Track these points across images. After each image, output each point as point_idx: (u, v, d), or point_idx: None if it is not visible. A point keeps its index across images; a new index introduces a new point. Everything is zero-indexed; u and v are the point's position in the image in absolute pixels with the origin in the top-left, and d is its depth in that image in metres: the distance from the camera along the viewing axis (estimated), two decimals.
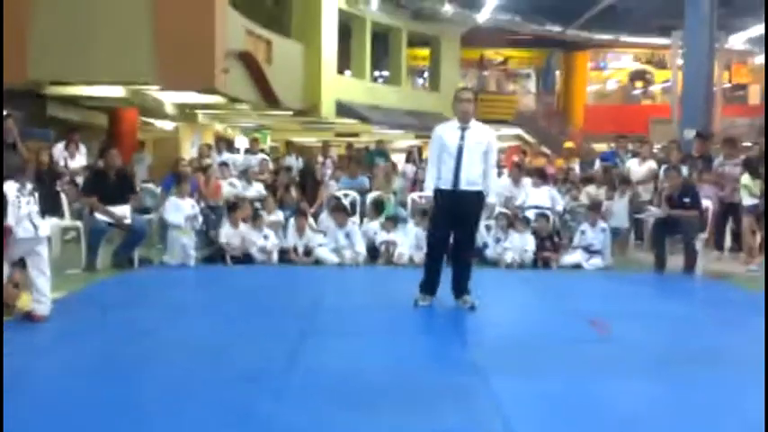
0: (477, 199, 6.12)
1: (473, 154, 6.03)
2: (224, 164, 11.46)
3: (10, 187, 5.34)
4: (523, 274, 8.50)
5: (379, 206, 10.16)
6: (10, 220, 5.24)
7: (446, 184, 6.03)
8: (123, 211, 8.32)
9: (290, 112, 18.34)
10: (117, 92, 13.19)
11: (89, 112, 14.80)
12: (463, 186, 6.00)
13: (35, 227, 5.39)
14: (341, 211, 9.43)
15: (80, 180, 10.02)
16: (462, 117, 6.11)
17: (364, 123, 20.71)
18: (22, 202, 5.35)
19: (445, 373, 4.39)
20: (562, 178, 11.81)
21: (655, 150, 12.54)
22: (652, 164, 10.78)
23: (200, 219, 8.91)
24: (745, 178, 9.21)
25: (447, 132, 6.12)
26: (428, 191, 6.21)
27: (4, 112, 8.85)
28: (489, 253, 9.09)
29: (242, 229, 8.91)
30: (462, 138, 6.02)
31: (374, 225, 9.50)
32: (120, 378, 4.13)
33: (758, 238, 9.15)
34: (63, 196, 9.23)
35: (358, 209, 10.59)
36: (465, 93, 6.27)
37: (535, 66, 33.34)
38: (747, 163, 9.43)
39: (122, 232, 8.38)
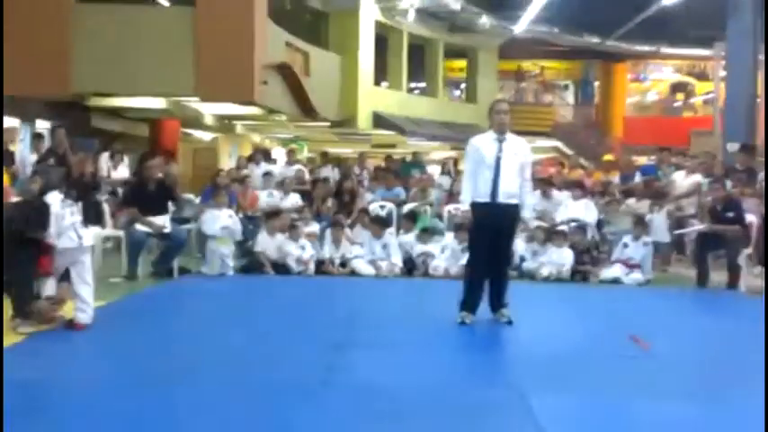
0: (514, 212, 6.09)
1: (511, 166, 5.99)
2: (267, 174, 11.54)
3: (54, 198, 5.46)
4: (561, 288, 8.39)
5: (415, 218, 10.16)
6: (53, 231, 5.35)
7: (484, 197, 5.97)
8: (163, 221, 8.45)
9: (327, 124, 18.45)
10: (158, 103, 13.41)
11: (131, 123, 15.08)
12: (501, 199, 5.95)
13: (79, 237, 5.51)
14: (377, 223, 9.45)
15: (121, 190, 10.19)
16: (499, 129, 6.07)
17: (400, 135, 20.74)
18: (66, 213, 5.47)
19: (481, 388, 4.35)
20: (600, 191, 11.66)
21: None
22: (697, 177, 10.57)
23: (239, 229, 8.98)
24: None
25: (484, 144, 6.08)
26: (464, 204, 6.18)
27: (54, 124, 9.15)
28: (526, 266, 9.01)
29: (279, 240, 8.97)
30: (500, 150, 5.98)
31: (410, 237, 9.49)
32: (155, 389, 4.15)
33: None
34: (105, 206, 9.40)
35: (394, 220, 10.58)
36: (502, 104, 6.26)
37: (573, 77, 33.03)
38: None
39: (162, 242, 8.51)
